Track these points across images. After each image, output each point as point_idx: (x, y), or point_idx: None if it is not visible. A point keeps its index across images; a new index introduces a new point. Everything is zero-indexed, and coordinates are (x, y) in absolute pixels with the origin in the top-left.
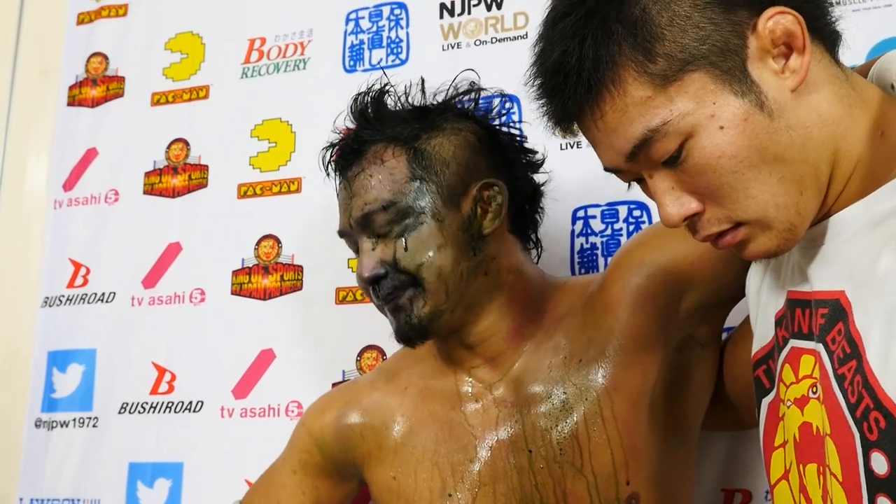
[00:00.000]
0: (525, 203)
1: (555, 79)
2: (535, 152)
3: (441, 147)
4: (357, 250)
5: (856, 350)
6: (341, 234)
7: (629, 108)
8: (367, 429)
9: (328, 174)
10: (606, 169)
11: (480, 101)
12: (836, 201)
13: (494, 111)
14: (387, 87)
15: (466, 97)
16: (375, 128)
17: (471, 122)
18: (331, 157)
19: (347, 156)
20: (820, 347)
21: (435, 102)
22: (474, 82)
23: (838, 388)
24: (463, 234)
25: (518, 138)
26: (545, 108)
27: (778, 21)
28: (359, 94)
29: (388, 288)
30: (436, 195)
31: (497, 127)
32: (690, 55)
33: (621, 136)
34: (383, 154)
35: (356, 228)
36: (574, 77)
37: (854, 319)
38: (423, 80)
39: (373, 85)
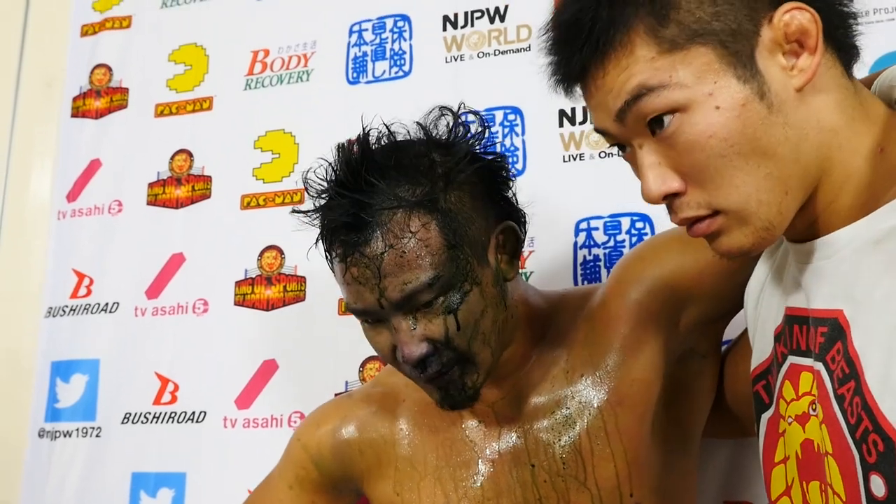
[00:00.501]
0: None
1: (566, 34)
2: (512, 173)
3: (461, 203)
4: (366, 320)
5: (854, 371)
6: (359, 311)
7: (631, 66)
8: (364, 444)
9: (331, 255)
10: (597, 129)
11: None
12: (826, 213)
13: (476, 137)
14: (375, 140)
15: (456, 131)
16: (386, 192)
17: (467, 164)
18: (328, 232)
19: (356, 226)
20: (820, 366)
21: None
22: (456, 114)
23: (838, 409)
24: (495, 289)
25: (503, 165)
26: (552, 64)
27: (794, 16)
28: (346, 153)
29: (437, 366)
30: (471, 258)
31: (489, 161)
32: (702, 28)
33: (616, 93)
34: (409, 223)
35: (390, 309)
36: (585, 34)
37: (852, 339)
38: (423, 127)
39: (361, 140)
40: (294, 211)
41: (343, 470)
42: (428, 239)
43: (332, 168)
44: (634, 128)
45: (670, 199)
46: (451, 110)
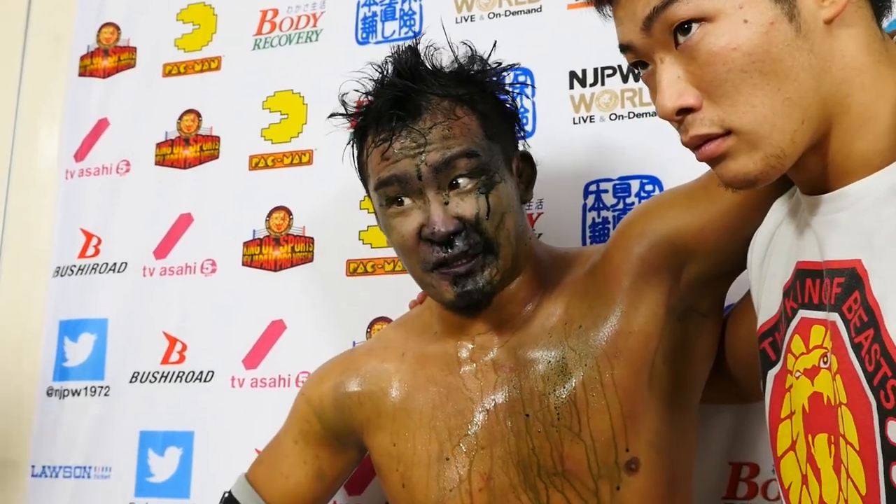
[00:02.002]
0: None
1: None
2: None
3: (495, 114)
4: (388, 201)
5: (873, 319)
6: (393, 180)
7: None
8: (364, 396)
9: (368, 144)
10: (621, 47)
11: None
12: (841, 156)
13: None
14: (432, 46)
15: (494, 70)
16: (435, 83)
17: (496, 83)
18: (382, 107)
19: (406, 107)
20: (835, 317)
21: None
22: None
23: (855, 357)
24: (516, 197)
25: (520, 120)
26: None
27: None
28: (404, 49)
29: (463, 246)
30: (502, 157)
31: (514, 104)
32: None
33: (646, 0)
34: (455, 110)
35: (427, 175)
36: None
37: (871, 288)
38: (471, 47)
39: (417, 41)
40: (333, 115)
41: (344, 422)
42: (470, 125)
43: (381, 70)
44: (660, 38)
45: (683, 115)
46: (472, 46)
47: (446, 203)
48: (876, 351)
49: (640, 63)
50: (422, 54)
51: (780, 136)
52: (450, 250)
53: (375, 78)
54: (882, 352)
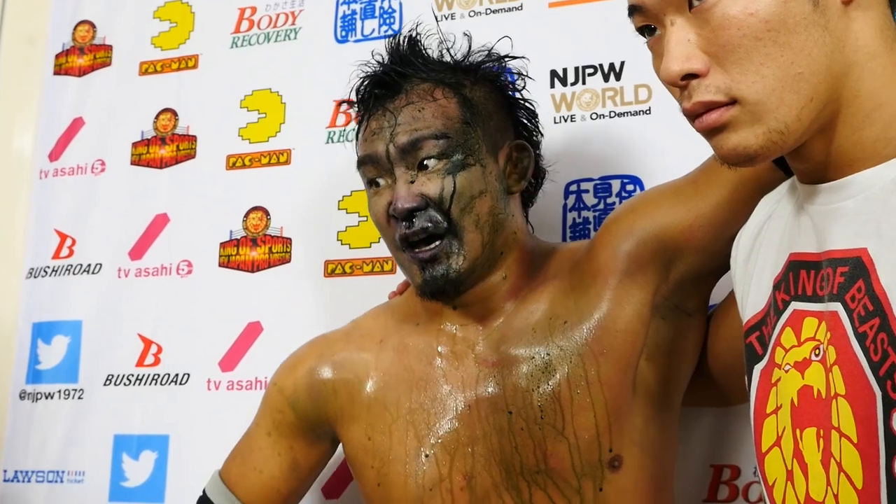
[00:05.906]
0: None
1: None
2: (540, 131)
3: (485, 100)
4: (369, 182)
5: (879, 307)
6: (367, 160)
7: None
8: (339, 383)
9: (358, 106)
10: (630, 8)
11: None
12: (848, 143)
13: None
14: (425, 33)
15: (493, 62)
16: (420, 67)
17: (500, 86)
18: (365, 88)
19: (388, 88)
20: (836, 306)
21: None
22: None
23: (859, 347)
24: (498, 184)
25: (535, 114)
26: None
27: None
28: (397, 35)
29: (424, 222)
30: (482, 142)
31: (520, 98)
32: None
33: None
34: (433, 92)
35: (395, 155)
36: None
37: (878, 276)
38: (469, 37)
39: (412, 28)
40: (339, 102)
41: (318, 410)
42: (447, 108)
43: (379, 58)
44: (675, 2)
45: (688, 81)
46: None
47: (412, 181)
48: (883, 340)
49: (646, 28)
50: (416, 43)
51: (786, 111)
52: (412, 225)
53: (372, 65)
54: (890, 340)
